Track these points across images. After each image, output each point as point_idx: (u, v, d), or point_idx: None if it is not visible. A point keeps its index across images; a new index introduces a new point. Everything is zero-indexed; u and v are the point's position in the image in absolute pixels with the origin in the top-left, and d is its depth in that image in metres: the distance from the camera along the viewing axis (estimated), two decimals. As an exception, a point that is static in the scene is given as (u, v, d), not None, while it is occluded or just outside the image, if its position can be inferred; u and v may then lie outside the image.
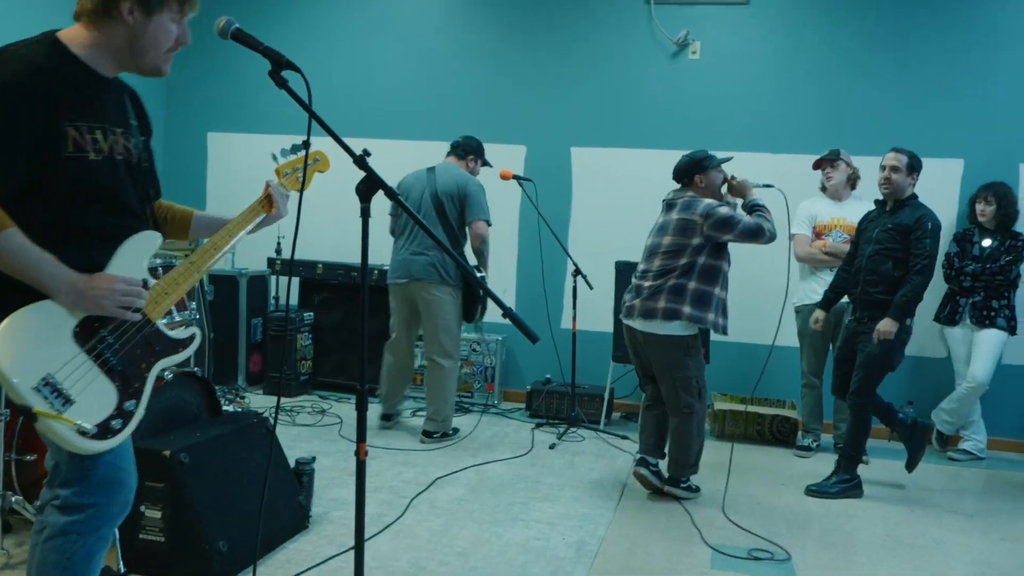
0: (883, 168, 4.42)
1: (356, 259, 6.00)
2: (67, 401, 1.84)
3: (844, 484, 4.35)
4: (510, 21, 6.25)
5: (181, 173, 6.80)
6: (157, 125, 6.86)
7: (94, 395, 1.90)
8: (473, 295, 5.02)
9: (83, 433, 1.85)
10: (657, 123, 6.02)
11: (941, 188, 5.51)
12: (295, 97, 2.03)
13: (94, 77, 1.98)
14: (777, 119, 5.85)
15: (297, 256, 6.07)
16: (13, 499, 3.06)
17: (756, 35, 5.87)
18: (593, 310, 5.87)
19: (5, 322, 1.81)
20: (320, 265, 6.19)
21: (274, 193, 2.41)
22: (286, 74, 2.05)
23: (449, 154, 5.17)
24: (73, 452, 1.90)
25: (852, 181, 5.23)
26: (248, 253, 6.34)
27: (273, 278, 6.46)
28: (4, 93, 1.81)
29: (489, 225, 4.96)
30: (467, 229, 4.98)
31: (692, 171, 4.15)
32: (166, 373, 3.30)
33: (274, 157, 2.51)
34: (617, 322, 5.51)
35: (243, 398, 5.55)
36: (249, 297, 6.17)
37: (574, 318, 5.47)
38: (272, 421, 3.21)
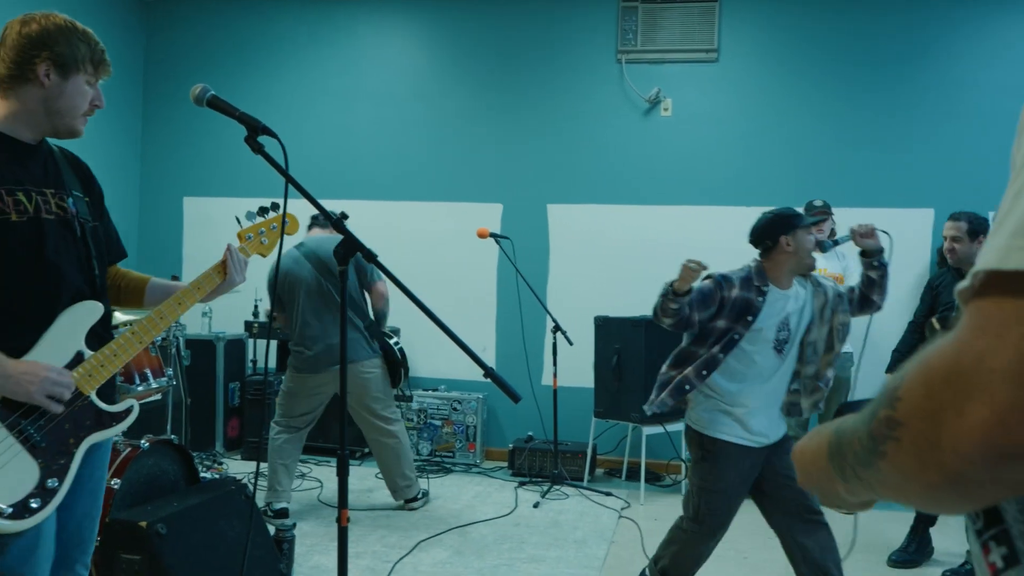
0: (945, 239, 4.34)
1: (334, 320, 5.98)
2: None
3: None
4: (485, 82, 6.34)
5: (157, 238, 6.79)
6: (132, 190, 6.92)
7: (13, 473, 1.82)
8: (393, 361, 4.81)
9: None
10: (632, 179, 6.10)
11: (913, 238, 5.59)
12: (271, 162, 2.04)
13: (13, 143, 1.99)
14: (750, 173, 5.94)
15: (275, 318, 6.02)
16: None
17: (726, 91, 5.99)
18: (574, 366, 5.86)
19: None
20: (298, 327, 6.15)
21: (230, 260, 2.34)
22: (262, 139, 2.07)
23: (312, 227, 4.89)
24: None
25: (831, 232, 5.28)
26: (225, 317, 6.31)
27: (251, 341, 6.40)
28: None
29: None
30: (366, 294, 4.73)
31: (777, 231, 3.09)
32: (143, 442, 3.25)
33: (238, 220, 2.47)
34: (598, 377, 5.51)
35: (221, 464, 5.47)
36: (226, 361, 6.12)
37: (555, 375, 5.45)
38: (251, 487, 3.15)
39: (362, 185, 6.47)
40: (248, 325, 6.25)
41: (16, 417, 1.86)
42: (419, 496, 4.88)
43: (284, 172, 2.02)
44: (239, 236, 2.44)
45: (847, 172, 5.79)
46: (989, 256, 0.59)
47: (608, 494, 5.25)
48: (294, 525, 3.57)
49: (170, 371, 4.12)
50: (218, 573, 3.05)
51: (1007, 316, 0.56)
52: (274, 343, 6.28)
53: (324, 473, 5.56)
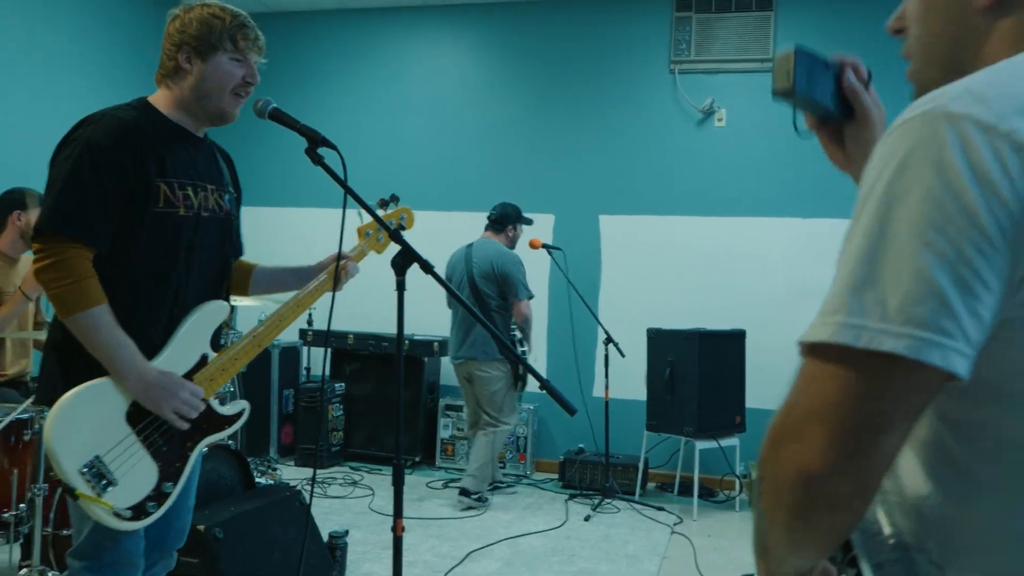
0: None
1: (386, 329, 6.04)
2: (109, 484, 1.85)
3: None
4: (537, 93, 6.36)
5: (215, 247, 6.91)
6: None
7: (136, 476, 1.90)
8: (516, 372, 5.19)
9: (118, 515, 1.86)
10: (685, 190, 6.05)
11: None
12: (331, 173, 2.07)
13: (183, 134, 2.05)
14: (805, 184, 5.85)
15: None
16: (50, 574, 3.05)
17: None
18: (626, 378, 5.83)
19: (64, 400, 1.83)
20: (351, 336, 6.21)
21: (345, 274, 2.33)
22: (321, 151, 2.10)
23: (487, 228, 5.31)
24: (95, 528, 1.91)
25: None
26: (280, 325, 6.39)
27: (305, 349, 6.48)
28: (98, 152, 1.87)
29: (531, 298, 5.12)
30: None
31: None
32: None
33: (360, 215, 2.44)
34: (650, 390, 5.46)
35: (275, 470, 5.54)
36: (281, 369, 6.20)
37: (607, 387, 5.42)
38: (306, 495, 3.19)
39: (414, 195, 6.51)
40: (303, 333, 6.33)
41: (145, 424, 1.93)
42: (473, 495, 5.03)
43: (343, 184, 2.04)
44: (359, 232, 2.44)
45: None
46: (806, 329, 0.74)
47: (660, 509, 5.19)
48: (346, 533, 3.60)
49: (227, 378, 4.19)
50: (273, 579, 3.08)
51: (809, 374, 0.73)
52: (330, 351, 6.35)
53: (376, 481, 5.59)
